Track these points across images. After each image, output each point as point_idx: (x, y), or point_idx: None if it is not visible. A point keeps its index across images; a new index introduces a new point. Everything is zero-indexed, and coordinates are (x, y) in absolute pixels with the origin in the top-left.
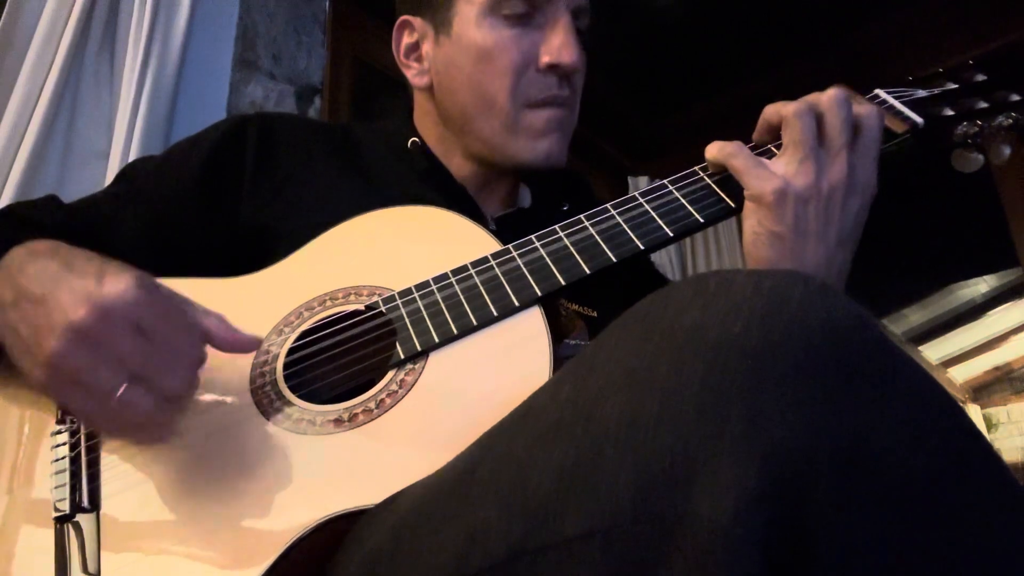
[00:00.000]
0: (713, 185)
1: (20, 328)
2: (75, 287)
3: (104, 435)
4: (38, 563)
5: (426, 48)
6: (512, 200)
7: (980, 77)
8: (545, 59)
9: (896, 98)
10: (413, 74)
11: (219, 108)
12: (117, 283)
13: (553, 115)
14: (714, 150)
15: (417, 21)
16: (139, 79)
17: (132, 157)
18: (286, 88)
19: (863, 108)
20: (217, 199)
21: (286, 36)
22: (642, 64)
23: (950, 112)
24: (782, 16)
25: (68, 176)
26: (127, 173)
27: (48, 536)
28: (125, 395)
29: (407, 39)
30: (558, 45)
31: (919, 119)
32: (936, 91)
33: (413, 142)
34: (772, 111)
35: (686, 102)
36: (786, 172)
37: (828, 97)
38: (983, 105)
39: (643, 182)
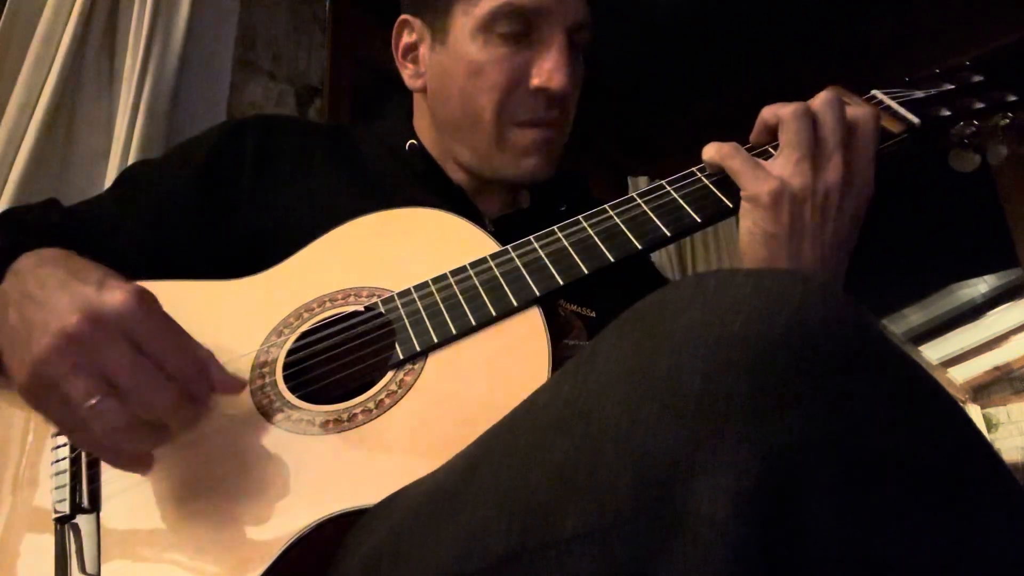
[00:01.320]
0: (711, 185)
1: (18, 329)
2: (75, 293)
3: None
4: (38, 564)
5: (423, 51)
6: (510, 202)
7: (977, 78)
8: (535, 81)
9: (893, 99)
10: (409, 75)
11: (219, 108)
12: (116, 294)
13: (539, 135)
14: (711, 151)
15: (417, 22)
16: (139, 79)
17: (132, 158)
18: (286, 88)
19: (859, 109)
20: (216, 202)
21: (286, 36)
22: (642, 64)
23: (947, 112)
24: (782, 16)
25: (68, 177)
26: (127, 176)
27: (48, 537)
28: (99, 405)
29: (406, 39)
30: (549, 68)
31: (916, 119)
32: (933, 92)
33: (411, 144)
34: (769, 112)
35: (686, 102)
36: (782, 173)
37: (820, 99)
38: (980, 105)
39: (643, 182)
